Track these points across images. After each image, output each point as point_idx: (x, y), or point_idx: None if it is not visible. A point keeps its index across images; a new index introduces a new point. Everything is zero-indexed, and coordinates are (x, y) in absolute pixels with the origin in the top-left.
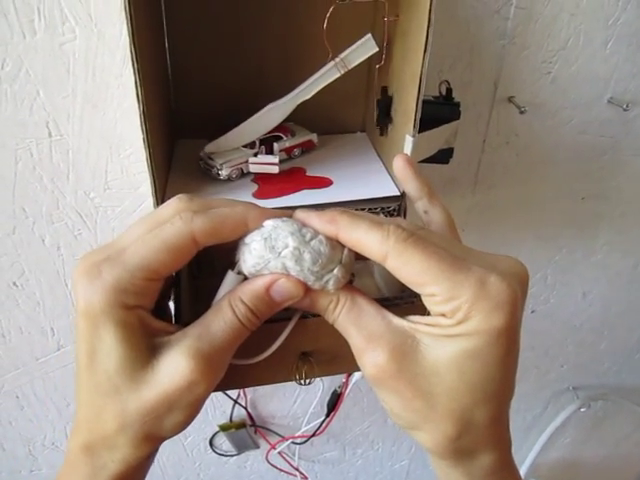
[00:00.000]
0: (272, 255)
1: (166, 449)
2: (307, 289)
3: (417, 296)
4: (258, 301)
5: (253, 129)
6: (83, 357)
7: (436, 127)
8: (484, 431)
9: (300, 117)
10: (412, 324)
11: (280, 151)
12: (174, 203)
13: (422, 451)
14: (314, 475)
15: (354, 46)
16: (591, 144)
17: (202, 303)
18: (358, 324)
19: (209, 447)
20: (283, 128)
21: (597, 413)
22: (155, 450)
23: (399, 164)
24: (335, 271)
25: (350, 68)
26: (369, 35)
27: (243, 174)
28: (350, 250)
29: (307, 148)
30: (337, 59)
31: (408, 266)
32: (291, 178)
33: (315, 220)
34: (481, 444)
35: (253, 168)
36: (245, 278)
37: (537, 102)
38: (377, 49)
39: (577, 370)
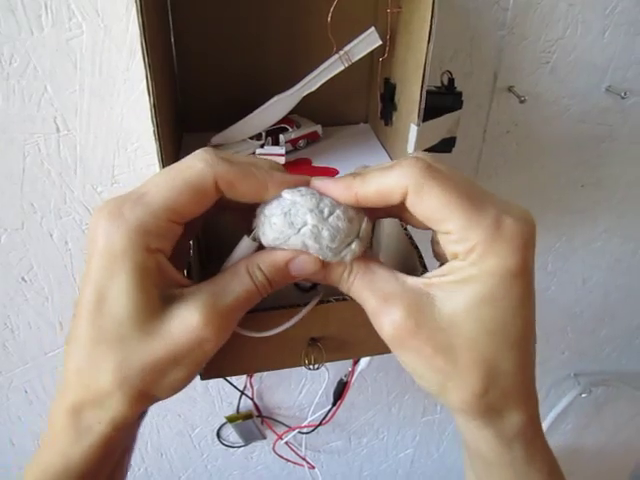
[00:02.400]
0: (292, 231)
1: (174, 441)
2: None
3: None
4: (275, 271)
5: (259, 121)
6: (89, 301)
7: (439, 117)
8: (511, 382)
9: (304, 109)
10: (426, 280)
11: (286, 142)
12: (198, 152)
13: (426, 440)
14: (320, 465)
15: (358, 39)
16: (589, 132)
17: None
18: (372, 287)
19: (216, 438)
20: (288, 120)
21: (598, 399)
22: (143, 415)
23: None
24: (353, 245)
25: (354, 61)
26: (372, 29)
27: None
28: (368, 223)
29: (312, 139)
30: (341, 52)
31: (427, 201)
32: (298, 169)
33: (333, 190)
34: (510, 398)
35: None
36: (259, 246)
37: (536, 91)
38: (380, 42)
39: (578, 356)
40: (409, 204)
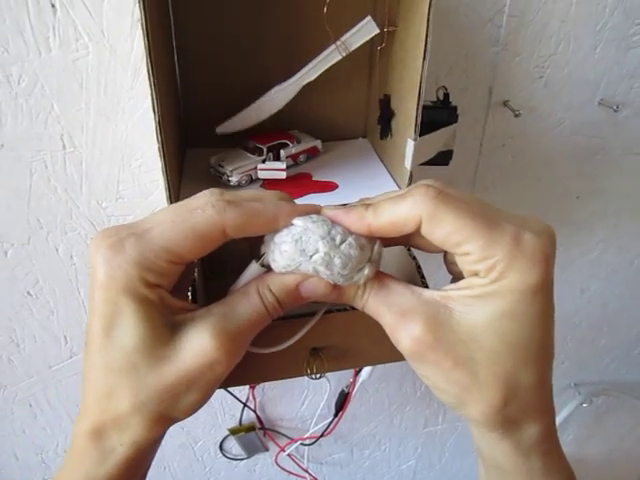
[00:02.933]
0: (303, 258)
1: (177, 454)
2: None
3: (427, 286)
4: (286, 293)
5: (261, 111)
6: (98, 332)
7: (435, 130)
8: (531, 395)
9: (304, 125)
10: (443, 293)
11: (286, 157)
12: (207, 194)
13: (428, 451)
14: (322, 477)
15: (355, 29)
16: (583, 145)
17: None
18: (388, 302)
19: (219, 451)
20: (289, 135)
21: (599, 409)
22: (163, 434)
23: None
24: (365, 271)
25: (351, 50)
26: (369, 17)
27: (252, 180)
28: (380, 245)
29: (312, 154)
30: (338, 42)
31: (442, 226)
32: (298, 183)
33: (345, 220)
34: (529, 411)
35: (262, 174)
36: (268, 270)
37: (531, 105)
38: (378, 30)
39: (578, 366)
40: (424, 232)
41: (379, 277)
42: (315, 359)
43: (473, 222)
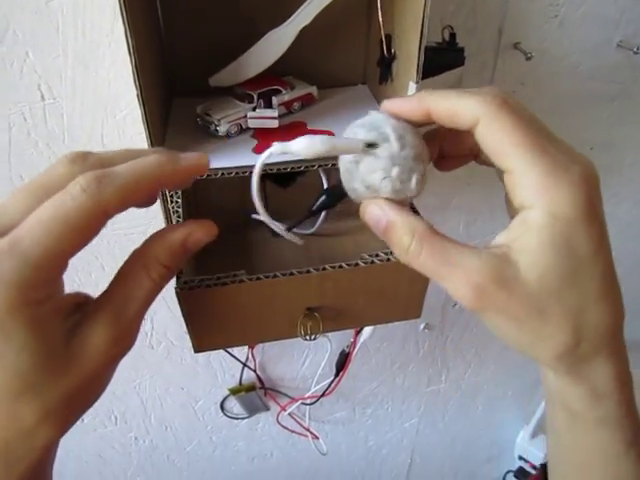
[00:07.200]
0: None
1: (178, 414)
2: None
3: None
4: (175, 256)
5: (256, 61)
6: None
7: (440, 74)
8: (602, 333)
9: (299, 70)
10: (500, 247)
11: (279, 105)
12: (67, 165)
13: (431, 409)
14: (325, 435)
15: None
16: (600, 91)
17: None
18: (448, 262)
19: (220, 411)
20: (282, 81)
21: None
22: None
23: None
24: (414, 178)
25: None
26: None
27: (242, 129)
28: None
29: (307, 102)
30: None
31: (498, 133)
32: (292, 132)
33: (404, 106)
34: (601, 347)
35: (252, 123)
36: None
37: (543, 48)
38: None
39: None
40: (478, 134)
41: (432, 235)
42: (310, 319)
43: (528, 138)
